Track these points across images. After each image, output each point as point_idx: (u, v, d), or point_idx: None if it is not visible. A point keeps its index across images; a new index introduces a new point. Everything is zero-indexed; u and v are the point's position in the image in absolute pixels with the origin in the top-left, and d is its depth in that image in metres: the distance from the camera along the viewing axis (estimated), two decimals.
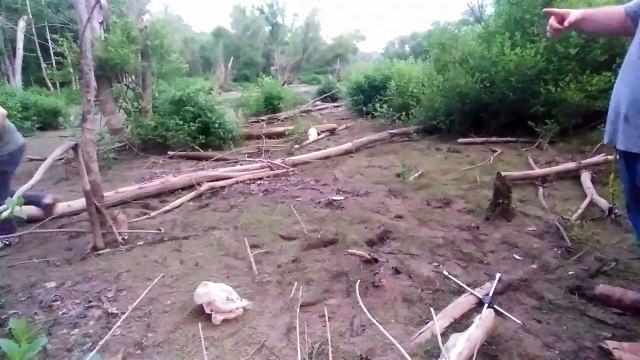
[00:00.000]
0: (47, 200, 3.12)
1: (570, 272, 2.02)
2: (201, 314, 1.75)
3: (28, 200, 2.91)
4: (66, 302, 1.95)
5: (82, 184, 2.50)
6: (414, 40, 42.97)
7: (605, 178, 3.42)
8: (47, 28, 19.41)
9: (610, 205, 2.59)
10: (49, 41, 14.91)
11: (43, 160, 2.26)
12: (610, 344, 1.43)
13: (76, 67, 8.22)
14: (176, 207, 3.43)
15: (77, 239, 2.83)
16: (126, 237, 2.73)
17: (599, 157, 3.71)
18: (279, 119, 9.66)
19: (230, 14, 44.17)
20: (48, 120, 10.49)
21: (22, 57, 17.95)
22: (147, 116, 6.37)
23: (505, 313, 1.68)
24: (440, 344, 1.22)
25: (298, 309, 1.75)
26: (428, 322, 1.63)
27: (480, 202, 3.12)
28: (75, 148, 2.50)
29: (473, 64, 5.77)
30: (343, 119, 9.62)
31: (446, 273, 2.05)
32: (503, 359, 1.43)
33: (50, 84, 18.80)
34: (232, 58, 28.04)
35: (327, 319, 1.64)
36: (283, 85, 14.28)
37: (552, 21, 1.47)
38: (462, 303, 1.74)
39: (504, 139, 5.42)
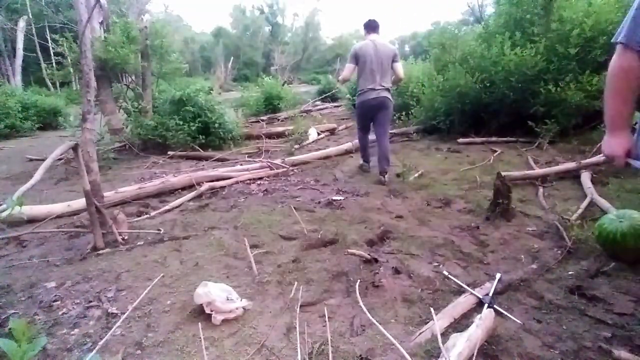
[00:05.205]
0: None
1: (570, 272, 2.02)
2: (201, 314, 1.75)
3: None
4: (66, 302, 1.95)
5: (82, 184, 2.49)
6: (414, 40, 43.03)
7: (605, 178, 3.43)
8: (47, 28, 19.41)
9: None
10: (49, 41, 14.89)
11: (43, 160, 2.26)
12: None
13: (76, 67, 8.23)
14: (176, 207, 3.43)
15: (77, 239, 2.83)
16: (126, 237, 2.73)
17: (599, 157, 3.70)
18: (279, 119, 9.65)
19: (230, 14, 44.30)
20: (48, 120, 10.49)
21: (22, 57, 17.95)
22: (147, 116, 6.36)
23: (505, 313, 1.68)
24: (440, 344, 1.22)
25: (298, 309, 1.75)
26: (428, 322, 1.63)
27: (480, 202, 3.12)
28: (75, 148, 2.50)
29: (473, 64, 5.76)
30: (343, 119, 9.60)
31: (446, 273, 2.05)
32: (503, 359, 1.43)
33: (50, 84, 18.82)
34: (232, 58, 28.04)
35: (327, 319, 1.64)
36: (283, 85, 14.27)
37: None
38: (462, 303, 1.74)
39: (504, 139, 5.41)
